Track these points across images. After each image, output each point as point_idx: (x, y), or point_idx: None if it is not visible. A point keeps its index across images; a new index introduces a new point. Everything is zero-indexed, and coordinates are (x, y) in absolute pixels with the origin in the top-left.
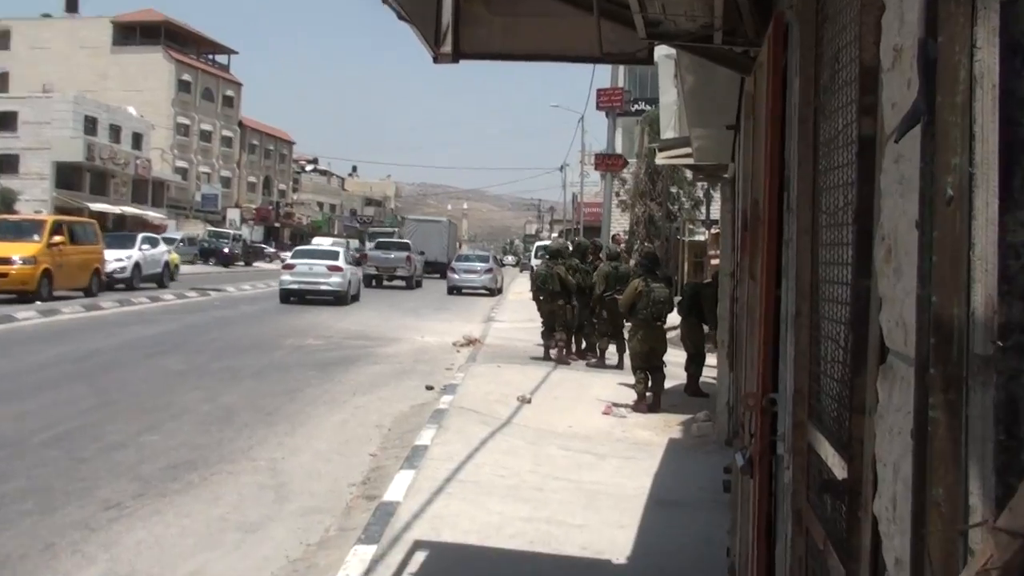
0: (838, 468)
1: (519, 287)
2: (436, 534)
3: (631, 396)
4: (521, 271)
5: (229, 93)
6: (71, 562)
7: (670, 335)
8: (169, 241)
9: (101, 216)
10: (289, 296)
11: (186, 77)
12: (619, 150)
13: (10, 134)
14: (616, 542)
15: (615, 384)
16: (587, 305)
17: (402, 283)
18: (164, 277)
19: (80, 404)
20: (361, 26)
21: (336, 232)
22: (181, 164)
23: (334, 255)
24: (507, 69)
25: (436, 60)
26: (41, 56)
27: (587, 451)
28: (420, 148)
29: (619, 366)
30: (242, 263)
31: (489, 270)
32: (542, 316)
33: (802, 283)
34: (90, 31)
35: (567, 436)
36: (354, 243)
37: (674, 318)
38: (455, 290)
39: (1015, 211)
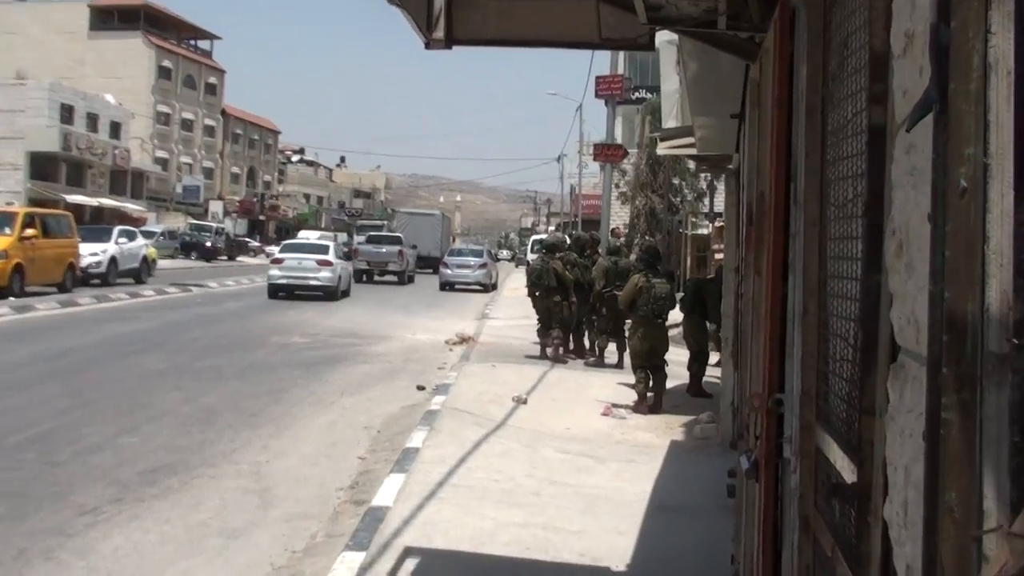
0: (847, 472)
1: (515, 283)
2: (427, 540)
3: (631, 396)
4: (517, 266)
5: (212, 80)
6: (44, 569)
7: (672, 333)
8: (149, 235)
9: (78, 208)
10: (278, 291)
11: (167, 63)
12: (619, 140)
13: None
14: (616, 549)
15: (615, 384)
16: (586, 302)
17: (393, 278)
18: (142, 272)
19: (55, 405)
20: (350, 11)
21: (323, 225)
22: (161, 154)
23: (324, 249)
24: (502, 56)
25: (428, 46)
26: (15, 41)
27: (585, 454)
28: (411, 138)
29: (619, 365)
30: (225, 258)
31: (483, 265)
32: (538, 313)
33: (809, 279)
34: (66, 15)
35: (564, 438)
36: (341, 237)
37: (676, 315)
38: (448, 286)
39: None
